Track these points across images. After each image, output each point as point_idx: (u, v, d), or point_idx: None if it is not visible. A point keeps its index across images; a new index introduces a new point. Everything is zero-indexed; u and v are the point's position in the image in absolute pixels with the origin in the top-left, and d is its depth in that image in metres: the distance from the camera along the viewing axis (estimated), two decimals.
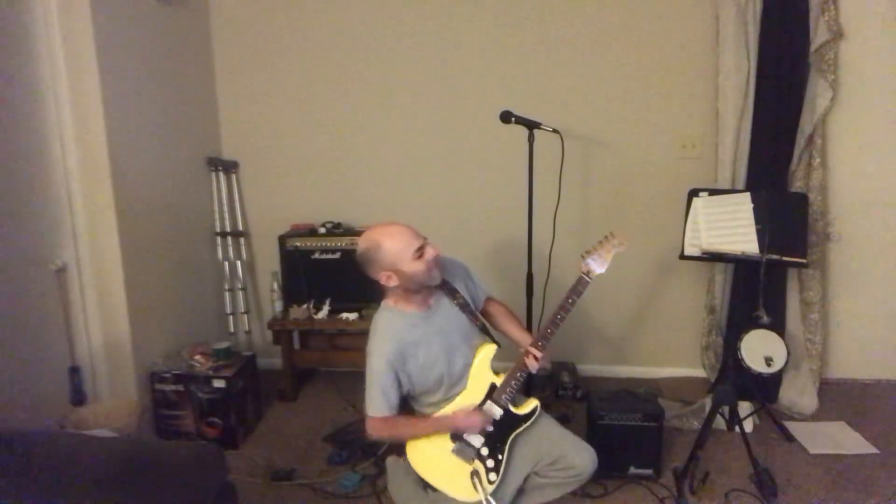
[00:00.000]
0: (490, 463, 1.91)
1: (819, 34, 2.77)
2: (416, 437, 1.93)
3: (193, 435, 2.66)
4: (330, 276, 3.08)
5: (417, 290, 1.87)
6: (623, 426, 2.34)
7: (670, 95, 3.09)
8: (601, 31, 3.08)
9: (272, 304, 3.27)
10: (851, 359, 3.23)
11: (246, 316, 3.41)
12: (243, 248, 3.43)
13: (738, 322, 2.74)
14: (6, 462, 1.45)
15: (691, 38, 3.02)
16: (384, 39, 3.20)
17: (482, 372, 1.97)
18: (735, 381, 2.45)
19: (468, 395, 1.96)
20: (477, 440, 1.91)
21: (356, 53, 3.23)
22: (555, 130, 2.56)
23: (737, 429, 2.46)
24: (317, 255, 3.10)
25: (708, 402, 2.65)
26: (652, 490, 2.34)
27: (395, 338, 1.87)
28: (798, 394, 2.94)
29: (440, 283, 1.92)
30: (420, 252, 1.80)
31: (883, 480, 2.38)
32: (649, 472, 2.37)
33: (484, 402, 1.94)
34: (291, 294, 3.14)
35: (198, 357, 2.71)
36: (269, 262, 3.36)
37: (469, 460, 1.90)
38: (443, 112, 3.24)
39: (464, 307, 1.98)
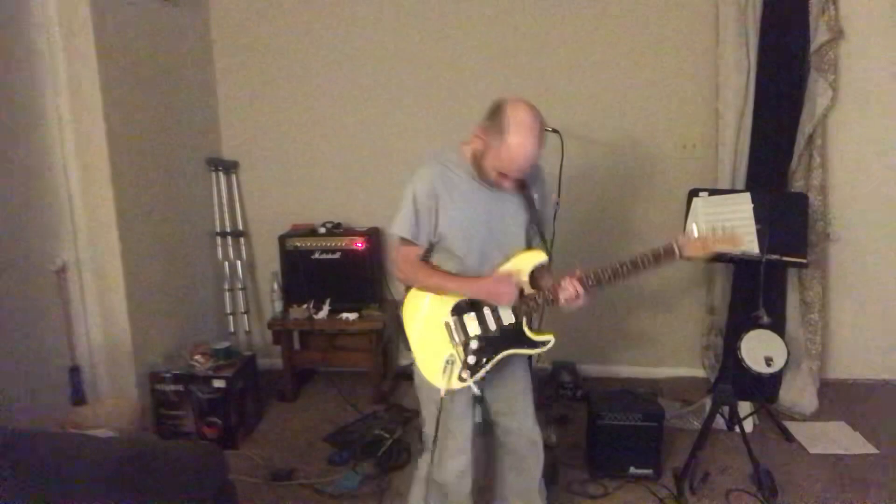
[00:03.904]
0: (471, 360, 1.76)
1: (819, 34, 2.77)
2: (440, 290, 1.79)
3: (193, 435, 2.66)
4: (330, 276, 3.08)
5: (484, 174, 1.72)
6: (623, 426, 2.34)
7: (670, 95, 3.09)
8: (601, 30, 3.08)
9: (272, 304, 3.27)
10: (851, 359, 3.23)
11: (246, 316, 3.41)
12: (243, 248, 3.43)
13: (738, 322, 2.74)
14: (6, 462, 1.45)
15: (691, 38, 3.02)
16: (383, 39, 3.20)
17: (518, 269, 1.78)
18: (735, 381, 2.45)
19: None
20: (474, 328, 1.78)
21: (356, 53, 3.23)
22: (555, 130, 2.56)
23: (737, 429, 2.46)
24: (317, 255, 3.09)
25: (708, 402, 2.65)
26: (652, 490, 2.34)
27: (438, 171, 1.74)
28: (798, 394, 2.94)
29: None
30: (505, 176, 1.67)
31: (883, 480, 2.38)
32: (649, 472, 2.37)
33: None
34: (291, 294, 3.14)
35: (198, 357, 2.71)
36: (269, 262, 3.36)
37: (453, 343, 1.77)
38: (443, 111, 3.23)
39: (529, 205, 1.79)
